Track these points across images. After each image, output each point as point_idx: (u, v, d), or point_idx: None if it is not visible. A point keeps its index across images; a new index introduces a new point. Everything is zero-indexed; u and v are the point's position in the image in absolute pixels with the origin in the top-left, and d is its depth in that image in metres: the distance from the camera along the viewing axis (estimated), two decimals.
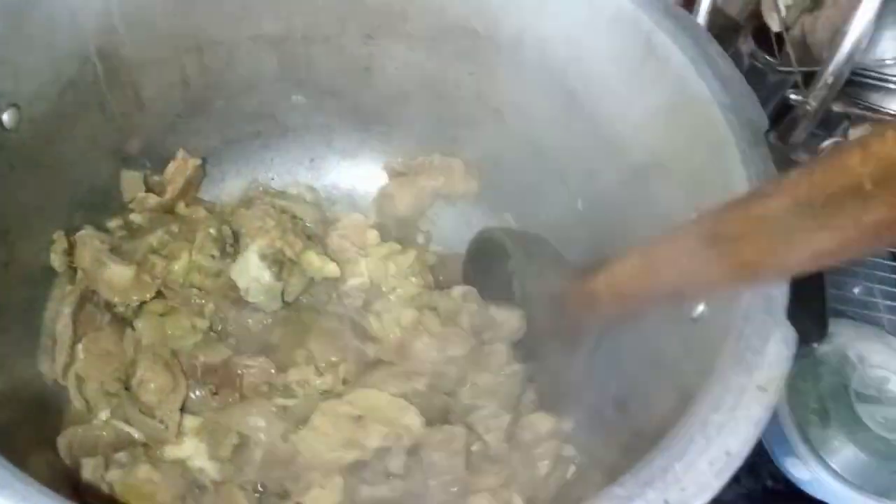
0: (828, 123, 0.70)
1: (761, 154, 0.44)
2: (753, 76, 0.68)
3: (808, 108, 0.64)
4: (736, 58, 0.68)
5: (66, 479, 0.48)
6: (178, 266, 0.60)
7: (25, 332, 0.51)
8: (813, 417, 0.65)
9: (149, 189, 0.63)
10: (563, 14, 0.56)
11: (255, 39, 0.62)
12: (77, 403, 0.51)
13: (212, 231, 0.61)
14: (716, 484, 0.32)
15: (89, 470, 0.48)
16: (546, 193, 0.67)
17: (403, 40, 0.64)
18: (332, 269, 0.62)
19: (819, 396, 0.65)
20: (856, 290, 0.78)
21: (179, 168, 0.63)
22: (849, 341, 0.68)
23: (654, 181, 0.53)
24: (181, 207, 0.65)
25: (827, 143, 0.66)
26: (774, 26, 0.67)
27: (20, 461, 0.30)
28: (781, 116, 0.68)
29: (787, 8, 0.65)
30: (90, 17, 0.49)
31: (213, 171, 0.68)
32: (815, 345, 0.41)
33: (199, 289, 0.61)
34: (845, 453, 0.64)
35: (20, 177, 0.48)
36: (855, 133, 0.67)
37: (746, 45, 0.70)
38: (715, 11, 0.66)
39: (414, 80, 0.67)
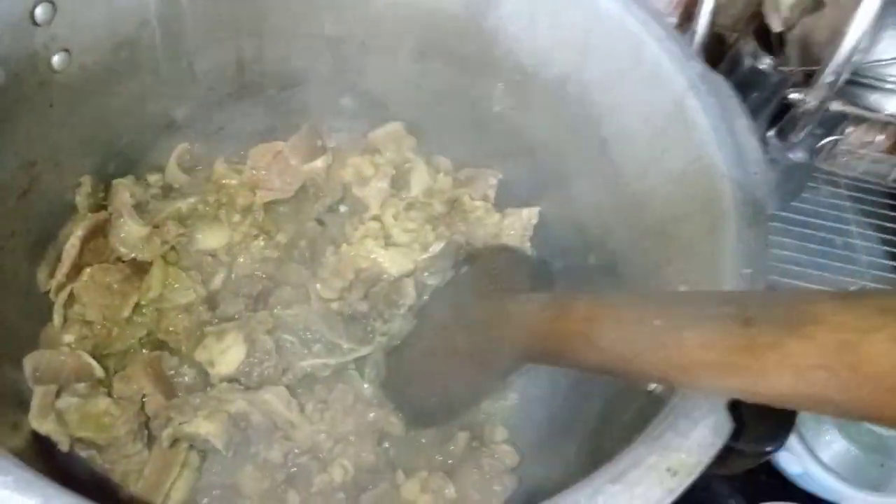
0: (826, 123, 0.70)
1: (757, 235, 0.41)
2: (754, 76, 0.68)
3: (808, 107, 0.65)
4: (736, 58, 0.69)
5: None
6: (205, 239, 0.64)
7: (34, 248, 0.54)
8: None
9: (191, 160, 0.67)
10: (606, 61, 0.55)
11: (315, 37, 0.65)
12: (56, 320, 0.54)
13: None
14: None
15: (39, 395, 0.51)
16: (560, 241, 0.66)
17: (456, 63, 0.65)
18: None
19: None
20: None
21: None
22: None
23: (656, 246, 0.50)
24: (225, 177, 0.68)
25: (825, 142, 0.68)
26: (776, 26, 0.67)
27: None
28: (781, 115, 0.69)
29: (789, 8, 0.65)
30: None
31: None
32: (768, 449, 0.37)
33: (216, 259, 0.64)
34: (836, 447, 0.66)
35: (60, 116, 0.52)
36: (855, 134, 0.69)
37: (748, 45, 0.69)
38: (719, 10, 0.68)
39: (458, 104, 0.67)
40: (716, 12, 0.67)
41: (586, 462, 0.49)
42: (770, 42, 0.68)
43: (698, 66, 0.48)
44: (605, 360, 0.39)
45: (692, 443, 0.33)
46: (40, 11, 0.46)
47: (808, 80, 0.65)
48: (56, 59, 0.49)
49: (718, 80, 0.48)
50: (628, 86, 0.54)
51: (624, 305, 0.39)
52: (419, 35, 0.64)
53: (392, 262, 0.64)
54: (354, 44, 0.66)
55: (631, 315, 0.38)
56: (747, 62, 0.67)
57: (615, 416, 0.47)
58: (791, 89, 0.66)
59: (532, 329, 0.46)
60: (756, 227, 0.41)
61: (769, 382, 0.30)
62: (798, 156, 0.69)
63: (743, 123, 0.46)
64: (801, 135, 0.67)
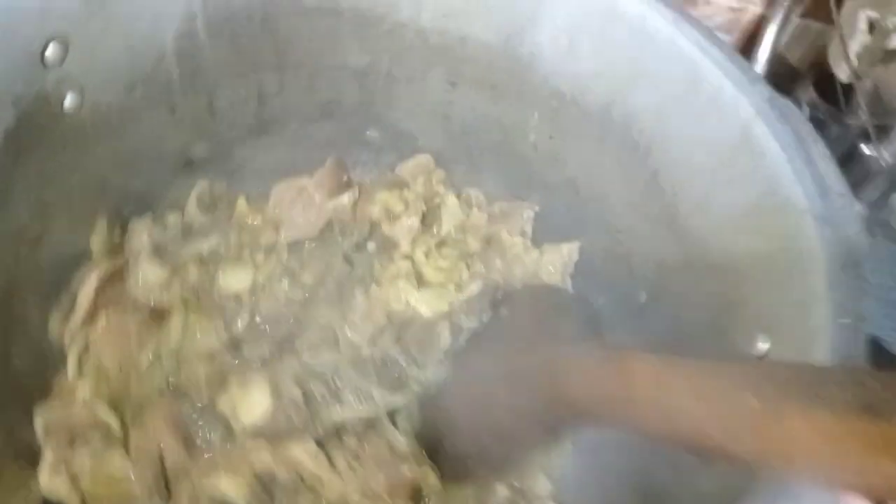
0: None
1: (853, 283, 0.36)
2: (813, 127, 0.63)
3: (883, 163, 0.60)
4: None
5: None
6: (227, 280, 0.60)
7: (46, 295, 0.51)
8: None
9: (211, 199, 0.64)
10: (656, 88, 0.51)
11: (339, 69, 0.61)
12: (71, 370, 0.51)
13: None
14: None
15: (50, 450, 0.47)
16: (610, 276, 0.61)
17: (487, 91, 0.61)
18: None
19: None
20: None
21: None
22: None
23: (725, 288, 0.46)
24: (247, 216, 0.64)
25: None
26: (843, 76, 0.64)
27: None
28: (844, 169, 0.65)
29: (859, 57, 0.61)
30: (173, 17, 0.50)
31: None
32: None
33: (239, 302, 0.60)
34: None
35: (73, 158, 0.49)
36: None
37: (806, 94, 0.67)
38: (775, 59, 0.65)
39: (492, 133, 0.64)
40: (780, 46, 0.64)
41: None
42: (826, 90, 0.66)
43: (765, 91, 0.44)
44: (679, 435, 0.34)
45: None
46: (52, 51, 0.43)
47: (879, 133, 0.61)
48: (68, 101, 0.46)
49: (788, 105, 0.44)
50: (683, 113, 0.49)
51: (706, 375, 0.33)
52: (449, 64, 0.61)
53: (426, 304, 0.59)
54: (381, 75, 0.62)
55: (716, 389, 0.32)
56: (806, 112, 0.64)
57: (687, 480, 0.42)
58: (863, 142, 0.62)
59: (588, 389, 0.41)
60: (850, 271, 0.36)
61: None
62: (870, 215, 0.64)
63: (820, 152, 0.42)
64: (876, 194, 0.63)
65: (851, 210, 0.39)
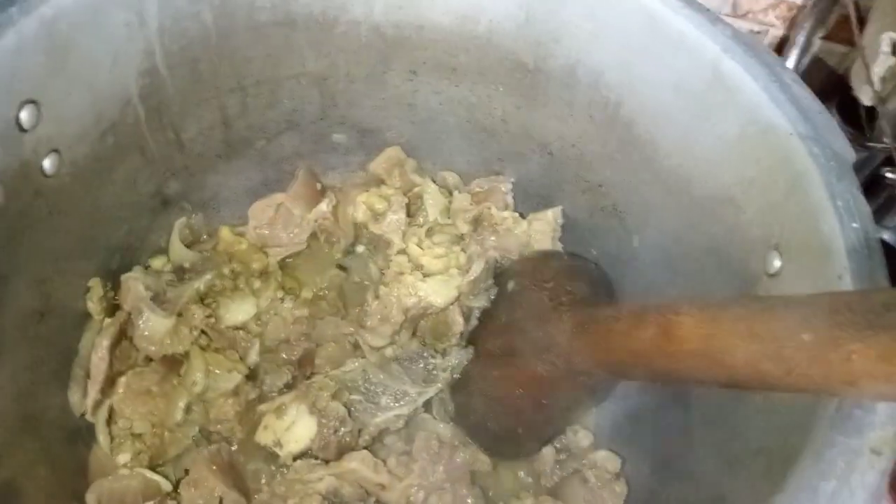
0: None
1: (850, 188, 0.40)
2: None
3: None
4: None
5: None
6: (231, 314, 0.59)
7: (59, 368, 0.49)
8: None
9: (192, 234, 0.62)
10: (619, 42, 0.53)
11: (299, 78, 0.60)
12: (103, 440, 0.49)
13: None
14: None
15: None
16: (598, 229, 0.64)
17: (448, 75, 0.62)
18: None
19: None
20: None
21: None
22: None
23: (723, 217, 0.49)
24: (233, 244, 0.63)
25: None
26: (866, 100, 0.62)
27: None
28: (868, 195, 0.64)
29: (882, 80, 0.59)
30: (132, 58, 0.48)
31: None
32: None
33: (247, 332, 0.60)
34: None
35: (59, 222, 0.46)
36: None
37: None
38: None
39: (459, 114, 0.64)
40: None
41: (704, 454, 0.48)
42: (852, 114, 0.64)
43: (727, 29, 0.47)
44: (733, 377, 0.35)
45: (882, 415, 0.31)
46: (25, 115, 0.41)
47: None
48: (47, 163, 0.44)
49: (754, 39, 0.47)
50: (649, 62, 0.52)
51: (752, 316, 0.35)
52: (407, 55, 0.61)
53: (436, 294, 0.60)
54: (340, 77, 0.62)
55: (765, 327, 0.34)
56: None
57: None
58: (887, 169, 0.62)
59: (628, 349, 0.43)
60: (845, 181, 0.40)
61: None
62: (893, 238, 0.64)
63: (791, 76, 0.45)
64: None
65: (833, 128, 0.43)
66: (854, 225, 0.38)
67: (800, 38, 0.71)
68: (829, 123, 0.43)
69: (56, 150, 0.44)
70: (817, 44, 0.71)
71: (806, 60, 0.72)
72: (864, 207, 0.39)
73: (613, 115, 0.56)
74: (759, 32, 0.76)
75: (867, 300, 0.31)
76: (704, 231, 0.52)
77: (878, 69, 0.59)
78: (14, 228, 0.42)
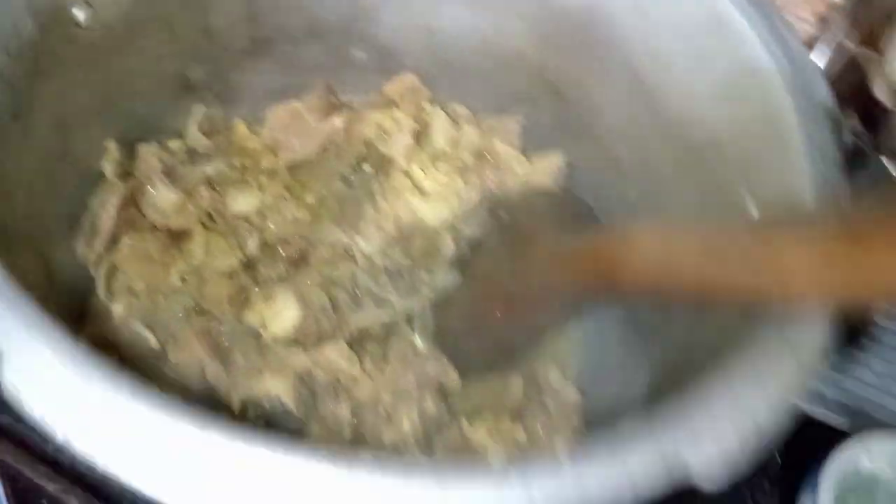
0: None
1: (827, 137, 0.42)
2: (858, 157, 0.57)
3: None
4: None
5: None
6: (236, 202, 0.62)
7: (69, 218, 0.52)
8: None
9: (210, 125, 0.65)
10: None
11: None
12: (101, 291, 0.52)
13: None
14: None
15: None
16: (597, 179, 0.65)
17: (469, 3, 0.64)
18: None
19: None
20: None
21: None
22: None
23: (710, 163, 0.51)
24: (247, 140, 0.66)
25: None
26: (886, 103, 0.60)
27: None
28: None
29: None
30: None
31: None
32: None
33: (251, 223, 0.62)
34: None
35: (85, 76, 0.49)
36: None
37: (850, 118, 0.61)
38: None
39: (475, 46, 0.66)
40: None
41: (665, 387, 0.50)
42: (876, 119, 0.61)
43: None
44: (688, 286, 0.39)
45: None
46: None
47: None
48: (81, 15, 0.47)
49: None
50: (657, 6, 0.53)
51: (708, 232, 0.39)
52: None
53: (431, 212, 0.63)
54: None
55: (718, 241, 0.38)
56: (850, 141, 0.56)
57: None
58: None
59: (595, 264, 0.46)
60: (824, 131, 0.42)
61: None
62: None
63: (784, 24, 0.46)
64: None
65: (819, 78, 0.44)
66: (824, 171, 0.40)
67: (830, 39, 0.69)
68: (815, 73, 0.45)
69: (89, 4, 0.47)
70: (849, 46, 0.68)
71: (836, 64, 0.69)
72: (835, 157, 0.41)
73: (625, 62, 0.58)
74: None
75: (810, 215, 0.34)
76: (694, 178, 0.54)
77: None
78: (43, 64, 0.44)
